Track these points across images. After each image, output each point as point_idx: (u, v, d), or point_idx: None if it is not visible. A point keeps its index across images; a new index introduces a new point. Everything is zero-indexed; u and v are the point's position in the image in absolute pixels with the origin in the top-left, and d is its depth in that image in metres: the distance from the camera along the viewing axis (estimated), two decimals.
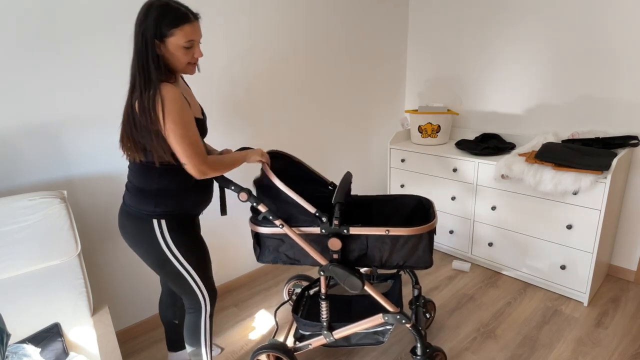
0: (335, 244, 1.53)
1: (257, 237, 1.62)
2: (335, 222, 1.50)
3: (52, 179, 1.77)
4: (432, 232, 1.56)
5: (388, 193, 3.14)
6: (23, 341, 1.38)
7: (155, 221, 1.40)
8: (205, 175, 1.37)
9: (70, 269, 1.51)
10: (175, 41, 1.27)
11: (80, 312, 1.54)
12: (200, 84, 2.13)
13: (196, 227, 1.56)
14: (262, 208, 1.50)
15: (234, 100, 2.31)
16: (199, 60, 1.45)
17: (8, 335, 1.17)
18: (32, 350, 1.35)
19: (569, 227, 2.19)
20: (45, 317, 1.47)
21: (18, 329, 1.41)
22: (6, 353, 1.18)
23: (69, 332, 1.51)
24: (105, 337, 1.49)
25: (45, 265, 1.46)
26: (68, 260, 1.50)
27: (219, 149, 2.26)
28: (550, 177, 2.12)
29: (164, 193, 1.40)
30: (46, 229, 1.43)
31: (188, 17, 1.27)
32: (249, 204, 2.11)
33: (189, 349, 1.63)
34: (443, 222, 2.84)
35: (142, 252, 1.46)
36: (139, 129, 1.28)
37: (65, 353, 1.43)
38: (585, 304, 2.26)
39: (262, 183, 1.55)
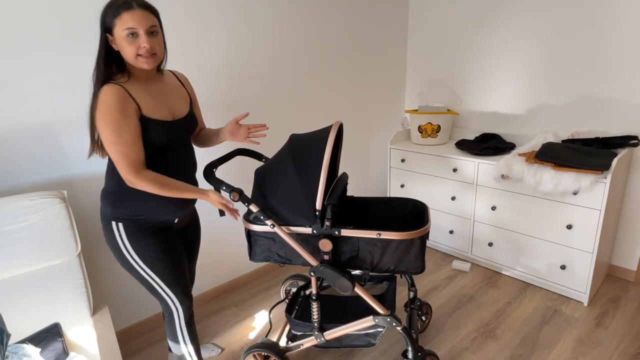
0: (326, 245, 1.52)
1: (249, 235, 1.62)
2: (327, 223, 1.49)
3: (52, 179, 1.77)
4: (425, 237, 1.53)
5: (388, 193, 3.14)
6: (23, 341, 1.38)
7: (114, 223, 1.38)
8: (133, 186, 1.30)
9: (70, 269, 1.51)
10: (117, 32, 1.22)
11: (80, 312, 1.54)
12: (196, 83, 2.14)
13: (165, 235, 1.45)
14: (253, 208, 1.49)
15: (233, 99, 2.31)
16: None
17: (8, 335, 1.17)
18: (32, 350, 1.34)
19: (569, 227, 2.19)
20: (45, 317, 1.47)
21: (18, 329, 1.41)
22: (6, 353, 1.18)
23: (69, 332, 1.51)
24: (105, 337, 1.49)
25: (45, 265, 1.46)
26: (68, 260, 1.50)
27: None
28: (550, 177, 2.12)
29: (122, 195, 1.36)
30: (46, 229, 1.43)
31: (128, 5, 1.21)
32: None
33: (175, 351, 1.61)
34: (443, 222, 2.84)
35: (112, 253, 1.44)
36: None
37: (65, 353, 1.43)
38: (585, 304, 2.26)
39: (280, 163, 1.52)
